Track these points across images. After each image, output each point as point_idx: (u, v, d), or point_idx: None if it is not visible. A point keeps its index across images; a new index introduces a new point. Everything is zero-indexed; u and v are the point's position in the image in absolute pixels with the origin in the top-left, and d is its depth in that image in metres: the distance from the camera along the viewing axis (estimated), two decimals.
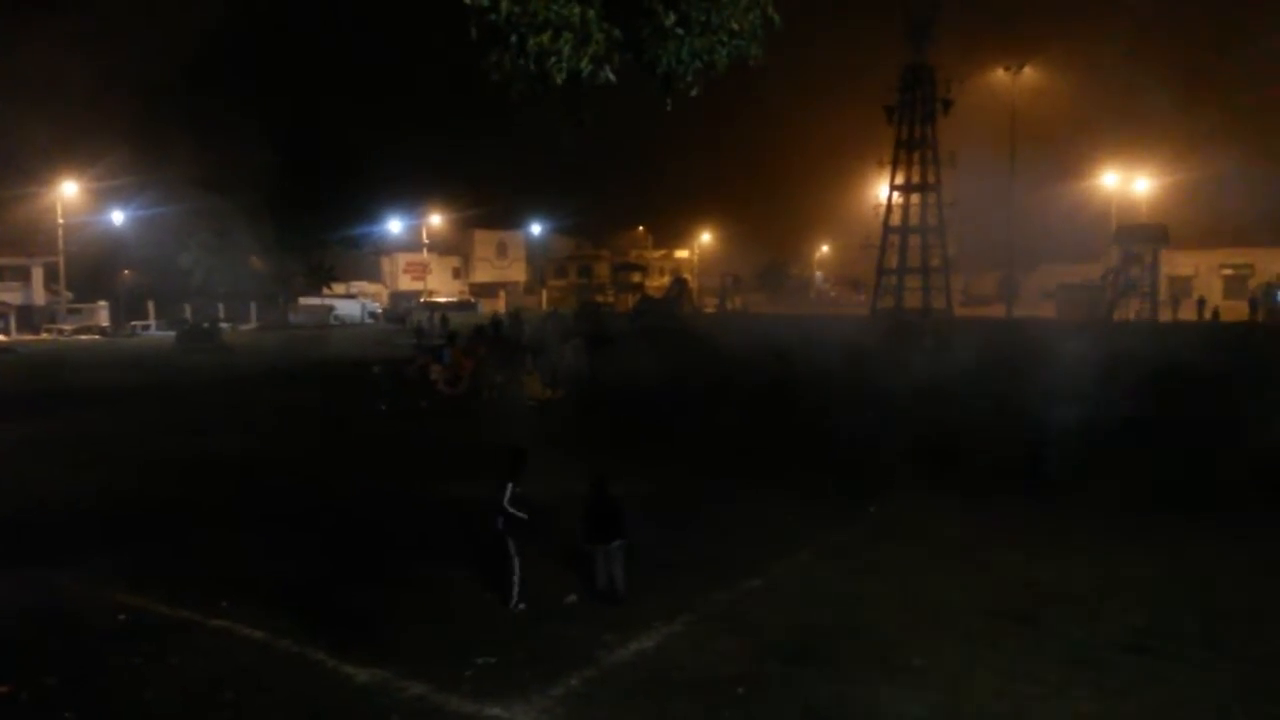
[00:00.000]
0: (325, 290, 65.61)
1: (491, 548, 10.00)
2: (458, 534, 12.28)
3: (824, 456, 16.98)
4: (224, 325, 53.01)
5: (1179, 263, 59.15)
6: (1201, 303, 53.93)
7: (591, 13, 6.19)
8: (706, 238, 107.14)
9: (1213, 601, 10.03)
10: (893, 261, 60.31)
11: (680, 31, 7.18)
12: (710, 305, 77.01)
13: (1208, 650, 8.78)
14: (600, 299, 74.69)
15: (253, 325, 61.13)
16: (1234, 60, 47.39)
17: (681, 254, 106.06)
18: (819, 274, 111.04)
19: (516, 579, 9.75)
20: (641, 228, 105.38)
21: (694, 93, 7.62)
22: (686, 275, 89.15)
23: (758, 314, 65.33)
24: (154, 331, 56.76)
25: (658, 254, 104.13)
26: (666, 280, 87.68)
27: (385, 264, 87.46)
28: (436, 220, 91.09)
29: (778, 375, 25.99)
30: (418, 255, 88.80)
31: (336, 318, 64.52)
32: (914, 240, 59.66)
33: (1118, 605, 9.90)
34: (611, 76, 6.47)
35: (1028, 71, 59.03)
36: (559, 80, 6.27)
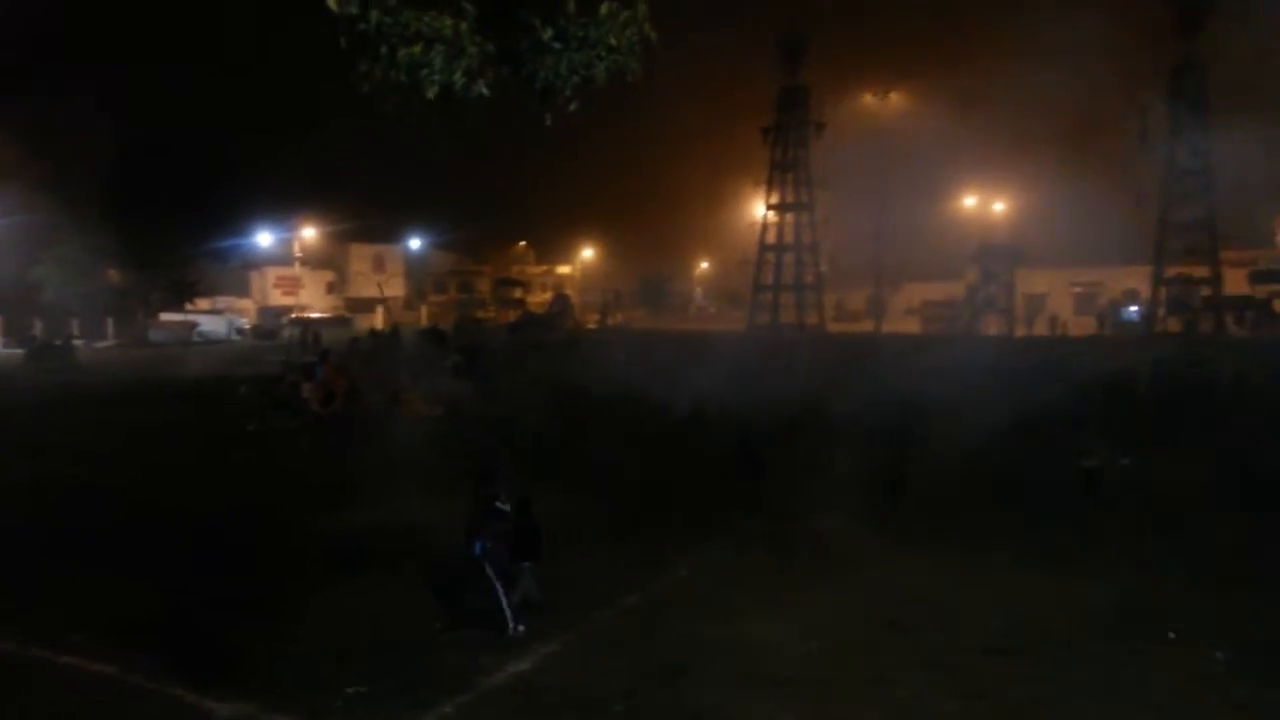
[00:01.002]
0: (189, 306, 62.70)
1: (465, 573, 9.69)
2: (328, 561, 11.86)
3: (701, 475, 17.11)
4: (77, 342, 49.91)
5: (1034, 281, 62.50)
6: (1054, 319, 57.14)
7: (465, 26, 6.09)
8: (589, 254, 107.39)
9: (1075, 603, 10.55)
10: (769, 278, 61.88)
11: (558, 46, 7.15)
12: (592, 321, 77.14)
13: (1065, 650, 9.23)
14: (481, 315, 73.85)
15: (109, 342, 57.83)
16: (1087, 94, 50.53)
17: (564, 270, 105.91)
18: (699, 290, 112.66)
19: (506, 604, 9.45)
20: (524, 243, 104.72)
21: (573, 107, 7.59)
22: (569, 291, 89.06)
23: (639, 329, 65.75)
24: (1, 349, 53.04)
25: (540, 270, 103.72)
26: (549, 296, 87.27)
27: (254, 278, 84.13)
28: (310, 233, 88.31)
29: (658, 391, 26.09)
30: (289, 269, 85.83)
31: (201, 334, 61.60)
32: (789, 257, 61.35)
33: (978, 610, 10.32)
34: (485, 90, 6.37)
35: (896, 97, 61.64)
36: (431, 94, 6.13)
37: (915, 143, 57.93)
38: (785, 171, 60.22)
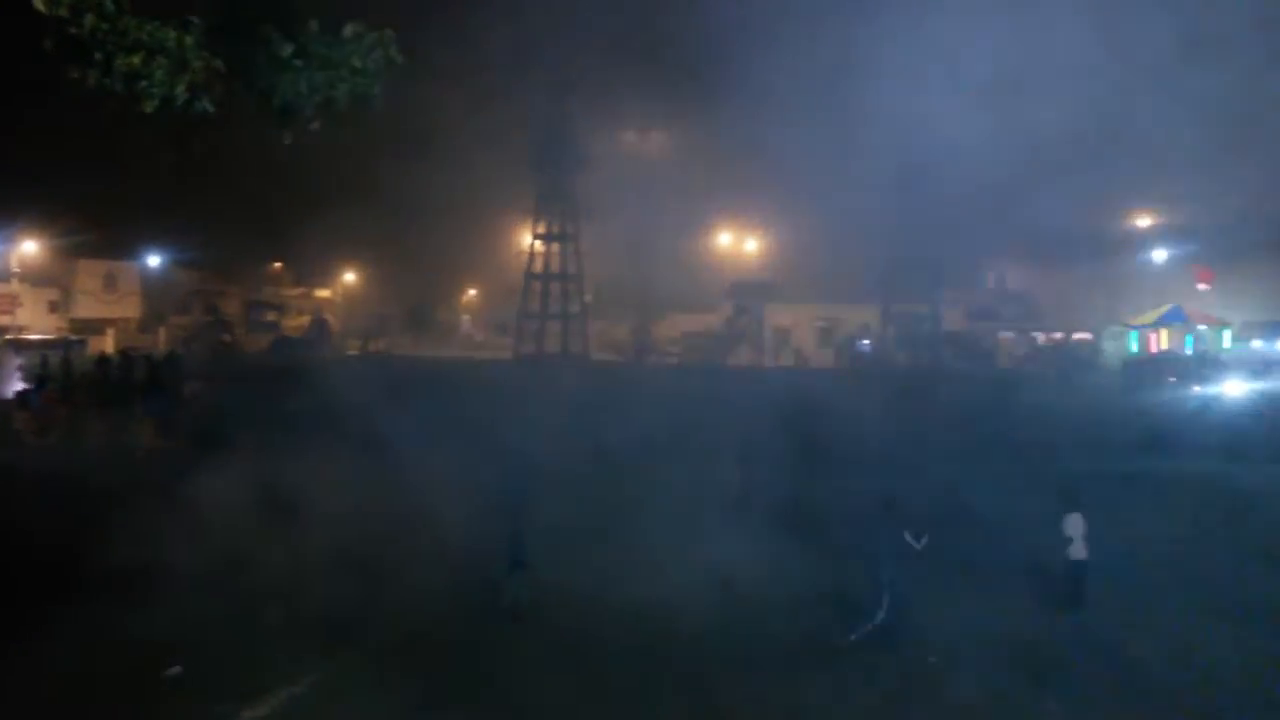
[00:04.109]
0: None
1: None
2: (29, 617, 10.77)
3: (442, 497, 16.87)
4: None
5: (781, 315, 66.74)
6: (797, 351, 61.32)
7: (190, 39, 5.87)
8: (351, 277, 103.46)
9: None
10: (535, 307, 62.38)
11: (298, 63, 7.03)
12: (353, 347, 74.37)
13: None
14: (229, 339, 69.32)
15: None
16: (827, 134, 54.85)
17: (323, 293, 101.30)
18: (466, 317, 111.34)
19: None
20: (279, 264, 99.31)
21: (314, 126, 7.47)
22: (328, 315, 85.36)
23: (402, 356, 64.15)
24: None
25: (296, 292, 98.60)
26: (305, 320, 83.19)
27: None
28: (31, 247, 79.56)
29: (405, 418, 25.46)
30: (4, 286, 76.90)
31: None
32: (555, 287, 62.19)
33: None
34: (210, 107, 6.16)
35: (658, 135, 64.28)
36: (150, 108, 5.85)
37: (676, 179, 60.70)
38: (552, 202, 61.17)
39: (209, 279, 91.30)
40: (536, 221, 61.53)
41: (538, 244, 62.20)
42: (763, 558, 13.21)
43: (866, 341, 61.43)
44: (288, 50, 6.94)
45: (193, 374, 31.65)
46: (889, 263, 57.71)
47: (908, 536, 11.04)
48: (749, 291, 61.82)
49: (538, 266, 62.54)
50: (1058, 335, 59.49)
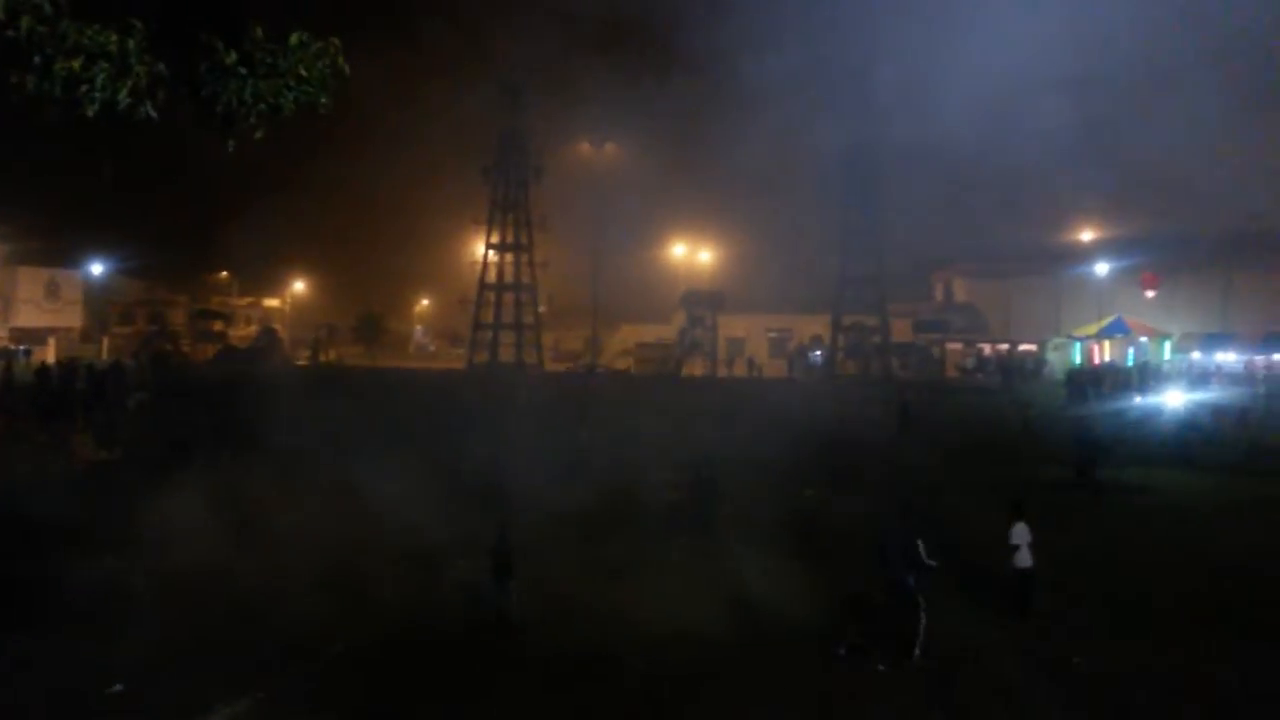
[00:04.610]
0: None
1: None
2: None
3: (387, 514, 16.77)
4: None
5: (734, 326, 67.15)
6: (751, 361, 61.71)
7: (132, 43, 5.78)
8: (300, 287, 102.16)
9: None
10: (489, 317, 62.08)
11: (243, 71, 6.97)
12: (303, 357, 73.35)
13: None
14: (173, 349, 67.99)
15: None
16: (778, 148, 55.58)
17: (272, 303, 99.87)
18: (419, 327, 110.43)
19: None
20: (226, 273, 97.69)
21: (259, 135, 7.40)
22: (276, 325, 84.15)
23: (353, 366, 63.41)
24: None
25: (244, 302, 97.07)
26: (254, 330, 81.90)
27: None
28: None
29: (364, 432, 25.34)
30: None
31: None
32: (509, 297, 61.96)
33: None
34: (153, 113, 6.06)
35: (612, 147, 64.41)
36: (90, 112, 5.74)
37: (629, 191, 60.97)
38: (505, 212, 60.98)
39: (154, 288, 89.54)
40: (490, 231, 61.28)
41: (491, 254, 61.95)
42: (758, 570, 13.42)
43: (819, 352, 62.04)
44: (231, 57, 6.88)
45: (136, 385, 31.01)
46: (839, 274, 58.47)
47: (921, 548, 10.84)
48: (702, 302, 62.20)
49: (491, 277, 62.28)
50: (1003, 346, 60.60)
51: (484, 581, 11.78)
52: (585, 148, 64.08)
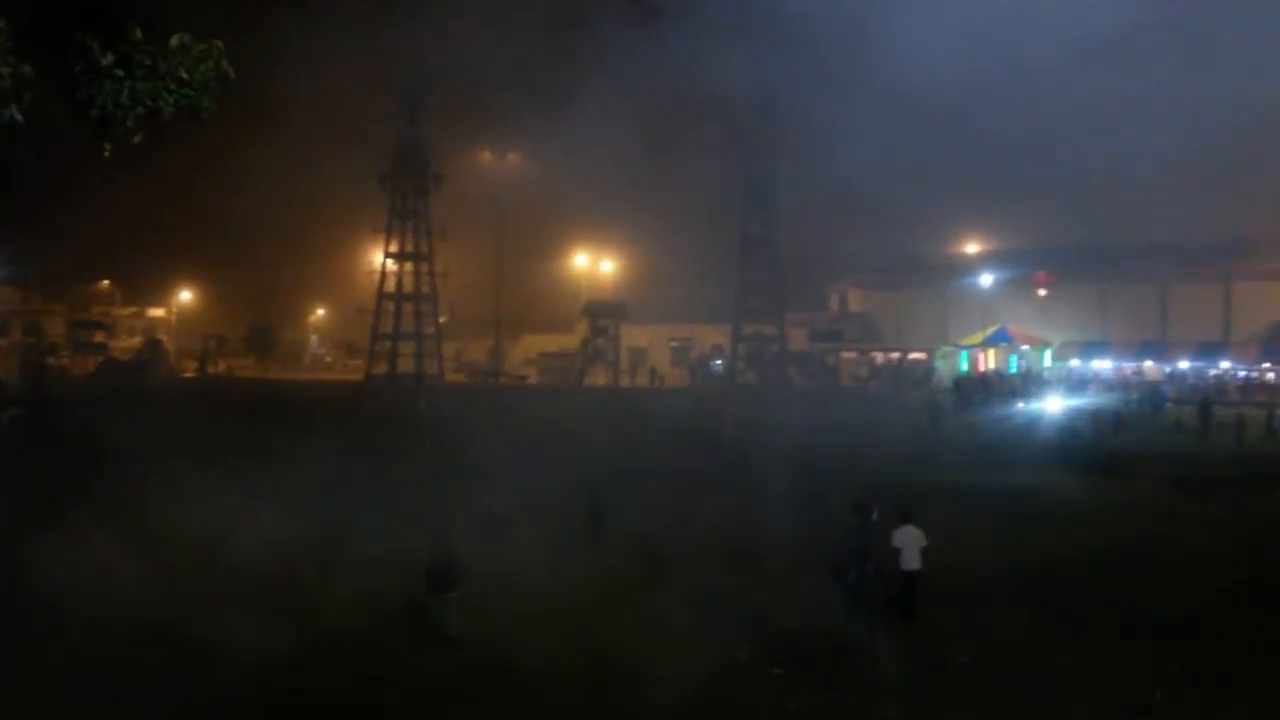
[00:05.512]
0: None
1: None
2: None
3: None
4: None
5: (636, 335, 67.60)
6: (653, 371, 62.20)
7: None
8: (187, 296, 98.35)
9: None
10: (388, 327, 60.89)
11: (120, 73, 6.73)
12: (190, 369, 70.69)
13: None
14: (51, 361, 64.68)
15: None
16: (677, 161, 56.32)
17: (156, 312, 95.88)
18: (315, 338, 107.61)
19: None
20: (107, 282, 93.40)
21: (137, 139, 7.15)
22: (162, 336, 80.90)
23: (244, 379, 61.43)
24: None
25: (127, 311, 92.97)
26: (137, 341, 78.55)
27: None
28: None
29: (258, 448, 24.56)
30: None
31: None
32: (408, 307, 60.92)
33: None
34: (18, 116, 5.80)
35: (514, 157, 64.13)
36: None
37: (531, 201, 60.76)
38: (405, 220, 59.97)
39: (30, 297, 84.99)
40: (389, 240, 60.20)
41: (390, 263, 60.85)
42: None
43: (719, 361, 62.91)
44: (108, 59, 6.64)
45: (11, 400, 29.43)
46: (739, 285, 59.45)
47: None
48: (604, 312, 62.36)
49: (391, 286, 61.14)
50: (895, 355, 62.52)
51: (417, 595, 11.63)
52: (487, 156, 63.66)
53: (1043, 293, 57.91)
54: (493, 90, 70.64)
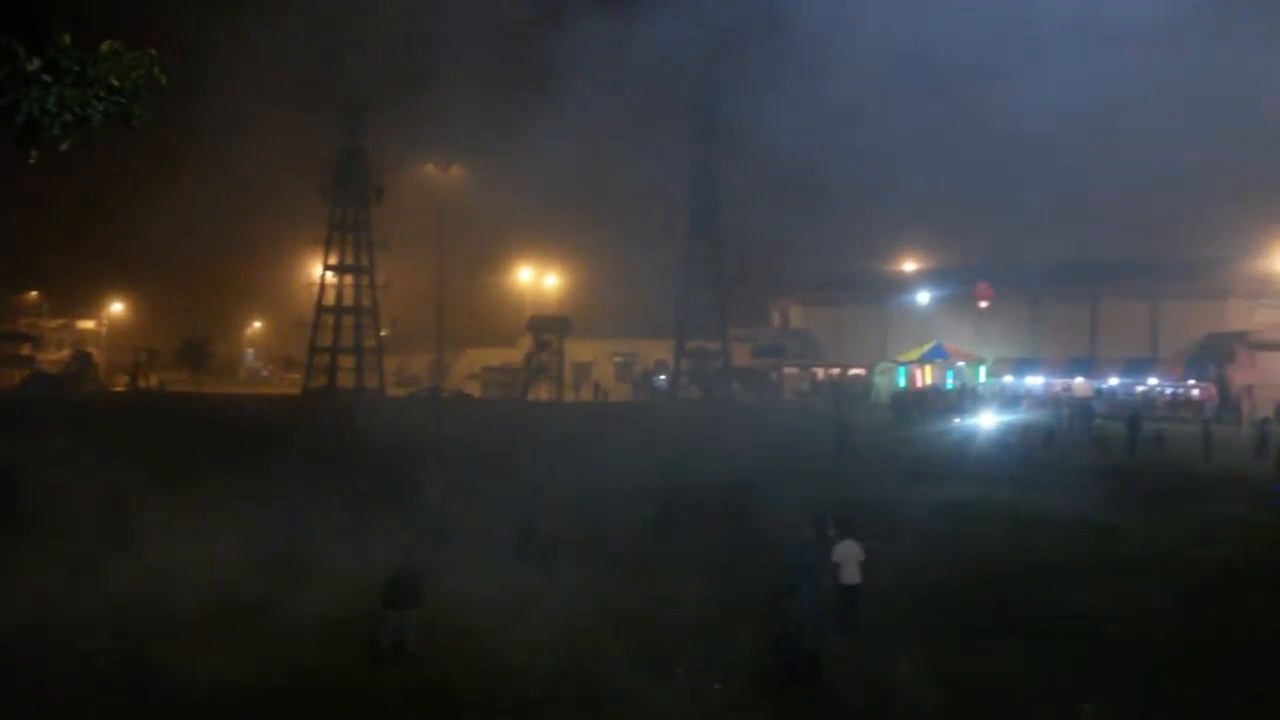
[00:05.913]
0: None
1: None
2: None
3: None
4: None
5: (581, 350, 67.53)
6: (597, 386, 62.16)
7: None
8: (118, 308, 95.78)
9: None
10: (327, 340, 60.01)
11: (48, 79, 6.60)
12: (121, 383, 68.82)
13: None
14: None
15: None
16: (623, 179, 56.74)
17: (86, 325, 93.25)
18: (250, 351, 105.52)
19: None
20: (35, 292, 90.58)
21: (64, 147, 7.00)
22: (91, 349, 78.72)
23: (178, 393, 59.93)
24: None
25: (55, 324, 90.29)
26: (66, 354, 76.39)
27: None
28: None
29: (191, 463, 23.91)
30: None
31: None
32: (348, 320, 60.11)
33: None
34: None
35: (457, 170, 63.83)
36: None
37: (475, 214, 60.44)
38: (345, 233, 59.23)
39: None
40: (328, 252, 59.34)
41: (330, 276, 59.98)
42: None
43: (663, 377, 63.10)
44: (34, 64, 6.51)
45: None
46: (682, 301, 59.83)
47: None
48: (548, 326, 62.25)
49: (330, 299, 60.24)
50: (835, 370, 63.33)
51: (374, 611, 11.43)
52: (430, 169, 63.23)
53: (984, 304, 59.15)
54: (436, 101, 70.33)
